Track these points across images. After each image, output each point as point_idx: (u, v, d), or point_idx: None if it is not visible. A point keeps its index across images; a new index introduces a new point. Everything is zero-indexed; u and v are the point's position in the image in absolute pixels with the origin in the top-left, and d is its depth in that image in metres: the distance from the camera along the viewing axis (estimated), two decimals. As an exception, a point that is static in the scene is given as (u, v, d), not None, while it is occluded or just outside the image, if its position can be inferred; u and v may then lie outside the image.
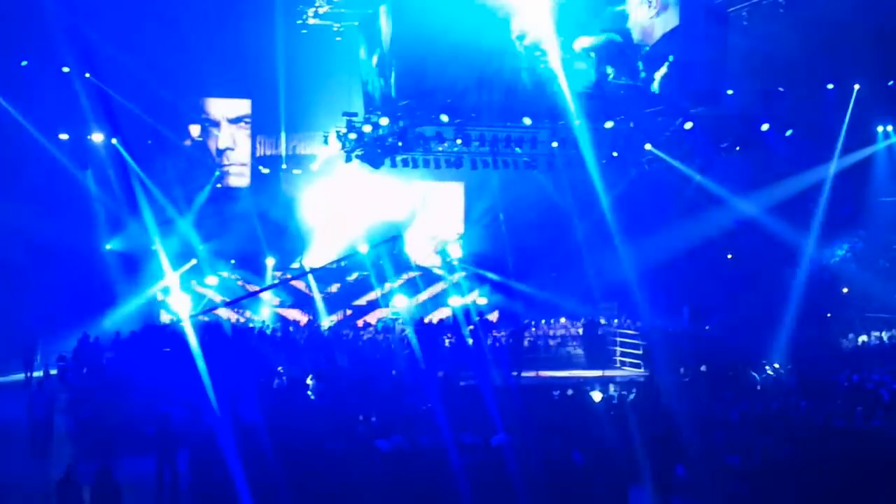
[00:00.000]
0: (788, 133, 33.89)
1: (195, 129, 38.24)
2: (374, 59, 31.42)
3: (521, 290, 37.48)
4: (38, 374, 28.62)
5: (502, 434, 20.22)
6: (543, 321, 34.75)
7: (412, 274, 39.17)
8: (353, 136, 31.75)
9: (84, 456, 22.01)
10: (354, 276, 38.25)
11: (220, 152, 38.62)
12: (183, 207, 37.01)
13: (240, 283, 37.99)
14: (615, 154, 33.16)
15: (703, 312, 34.08)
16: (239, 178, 38.86)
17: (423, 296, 38.32)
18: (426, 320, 34.98)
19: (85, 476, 16.29)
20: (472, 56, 29.23)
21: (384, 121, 30.94)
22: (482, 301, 38.04)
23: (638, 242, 35.67)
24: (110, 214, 36.33)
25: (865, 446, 19.95)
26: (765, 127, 33.03)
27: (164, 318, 35.91)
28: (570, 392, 25.20)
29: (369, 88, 32.15)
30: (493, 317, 37.30)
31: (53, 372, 27.47)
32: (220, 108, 38.37)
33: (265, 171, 38.91)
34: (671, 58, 30.66)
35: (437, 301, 38.51)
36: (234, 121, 38.43)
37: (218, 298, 36.44)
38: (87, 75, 34.50)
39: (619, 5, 30.78)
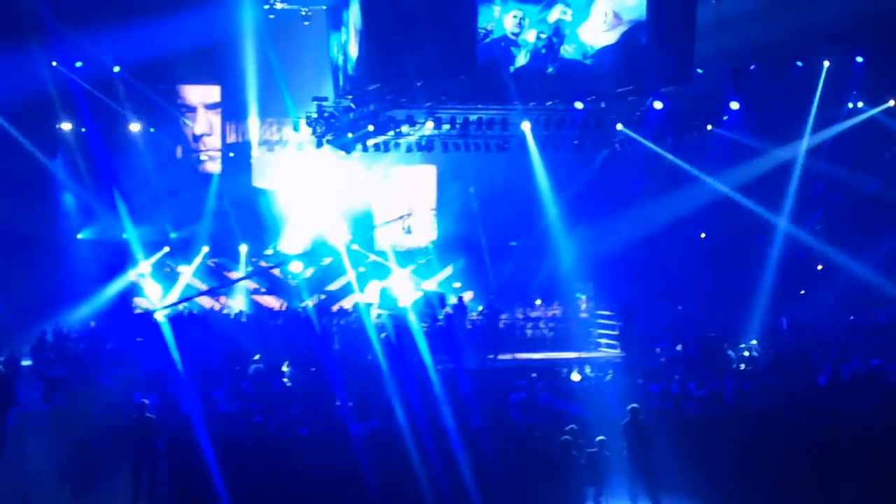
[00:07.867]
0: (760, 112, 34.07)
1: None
2: (343, 43, 31.26)
3: (496, 272, 37.47)
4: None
5: (478, 417, 20.29)
6: (519, 303, 34.70)
7: (384, 258, 39.07)
8: (323, 121, 31.60)
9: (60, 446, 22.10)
10: (328, 260, 38.08)
11: (197, 138, 38.31)
12: (154, 195, 36.69)
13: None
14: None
15: (676, 292, 34.16)
16: (213, 163, 38.58)
17: (395, 279, 38.16)
18: (399, 304, 34.88)
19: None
20: (442, 38, 29.07)
21: (353, 105, 30.86)
22: (456, 285, 38.00)
23: (612, 223, 35.73)
24: (81, 203, 36.03)
25: (839, 425, 20.12)
26: (734, 106, 33.09)
27: (139, 306, 35.73)
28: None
29: (339, 73, 32.00)
30: (468, 299, 37.24)
31: (26, 363, 27.28)
32: (197, 94, 38.03)
33: (231, 154, 38.56)
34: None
35: (410, 285, 38.37)
36: (211, 107, 38.10)
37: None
38: (54, 63, 34.16)
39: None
